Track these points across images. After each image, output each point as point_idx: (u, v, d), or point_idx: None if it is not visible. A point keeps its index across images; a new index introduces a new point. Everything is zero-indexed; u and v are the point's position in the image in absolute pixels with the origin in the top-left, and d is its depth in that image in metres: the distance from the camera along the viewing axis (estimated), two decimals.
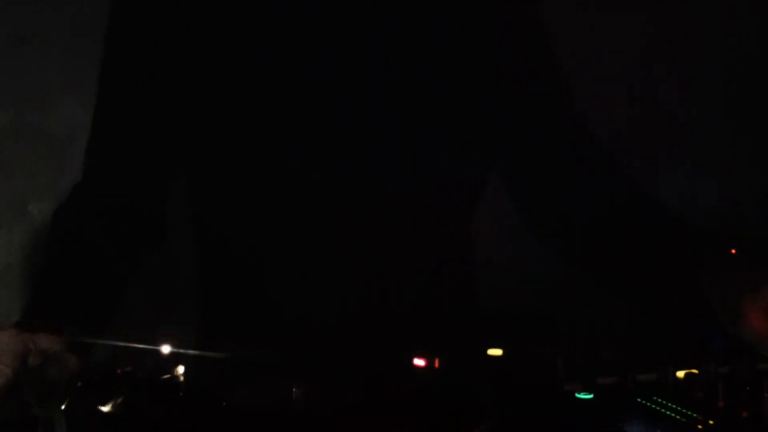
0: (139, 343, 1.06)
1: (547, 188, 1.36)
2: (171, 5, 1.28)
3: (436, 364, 1.11)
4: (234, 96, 1.26)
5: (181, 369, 1.05)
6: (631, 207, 1.31)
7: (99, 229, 1.27)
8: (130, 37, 1.29)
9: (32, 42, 1.80)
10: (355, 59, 1.27)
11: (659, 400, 1.05)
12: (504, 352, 1.14)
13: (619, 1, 1.96)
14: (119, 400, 0.98)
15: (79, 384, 1.03)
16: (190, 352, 1.08)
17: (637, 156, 1.90)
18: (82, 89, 1.76)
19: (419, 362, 1.11)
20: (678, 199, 1.92)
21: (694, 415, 1.01)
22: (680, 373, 1.10)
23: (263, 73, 1.26)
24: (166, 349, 1.07)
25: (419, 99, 1.29)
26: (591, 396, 1.05)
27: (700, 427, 1.01)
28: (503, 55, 1.34)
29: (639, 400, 1.06)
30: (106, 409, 0.98)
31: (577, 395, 1.05)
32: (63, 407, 0.99)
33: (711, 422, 1.01)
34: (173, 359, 1.06)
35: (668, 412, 1.02)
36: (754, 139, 2.00)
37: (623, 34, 1.95)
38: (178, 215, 1.34)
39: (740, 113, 2.00)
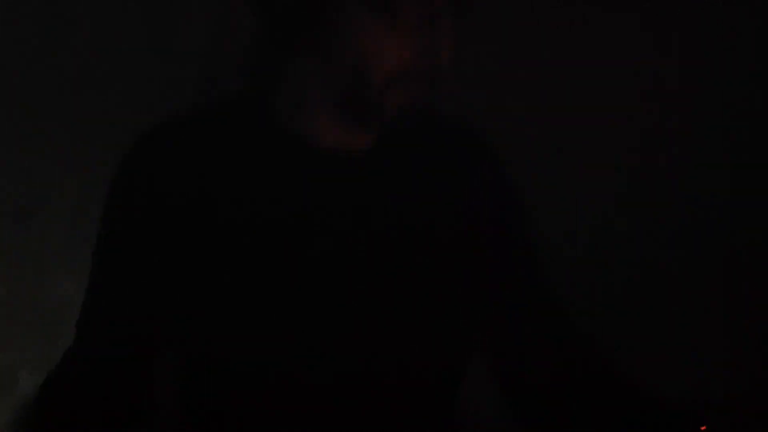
0: None
1: (526, 370, 1.39)
2: (163, 188, 1.27)
3: None
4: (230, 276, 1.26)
5: None
6: (607, 387, 1.36)
7: (87, 402, 1.29)
8: (124, 219, 1.29)
9: (32, 217, 1.86)
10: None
11: None
12: None
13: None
14: None
15: None
16: None
17: None
18: (75, 264, 1.81)
19: None
20: None
21: None
22: None
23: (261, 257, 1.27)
24: None
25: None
26: None
27: None
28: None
29: None
30: None
31: None
32: None
33: None
34: None
35: None
36: None
37: None
38: (169, 392, 1.36)
39: None
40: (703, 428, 1.17)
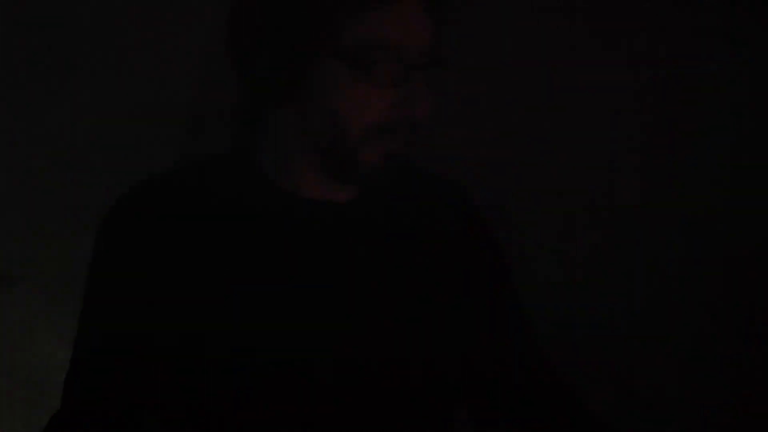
0: None
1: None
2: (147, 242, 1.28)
3: None
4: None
5: None
6: None
7: None
8: (113, 275, 1.29)
9: (18, 284, 1.86)
10: None
11: None
12: None
13: None
14: None
15: None
16: None
17: None
18: (62, 329, 1.81)
19: None
20: None
21: None
22: None
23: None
24: None
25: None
26: None
27: None
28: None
29: None
30: None
31: None
32: None
33: None
34: None
35: None
36: None
37: None
38: None
39: None
40: None
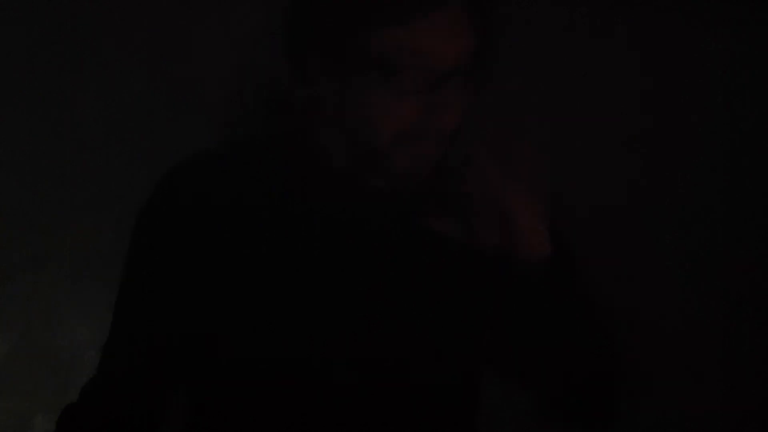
0: None
1: None
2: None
3: None
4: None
5: None
6: None
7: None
8: (156, 249, 1.31)
9: (45, 265, 1.92)
10: None
11: None
12: None
13: None
14: None
15: None
16: None
17: None
18: (88, 310, 1.85)
19: None
20: None
21: None
22: None
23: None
24: None
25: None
26: None
27: None
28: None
29: None
30: None
31: None
32: None
33: None
34: None
35: None
36: None
37: None
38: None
39: None
40: None
